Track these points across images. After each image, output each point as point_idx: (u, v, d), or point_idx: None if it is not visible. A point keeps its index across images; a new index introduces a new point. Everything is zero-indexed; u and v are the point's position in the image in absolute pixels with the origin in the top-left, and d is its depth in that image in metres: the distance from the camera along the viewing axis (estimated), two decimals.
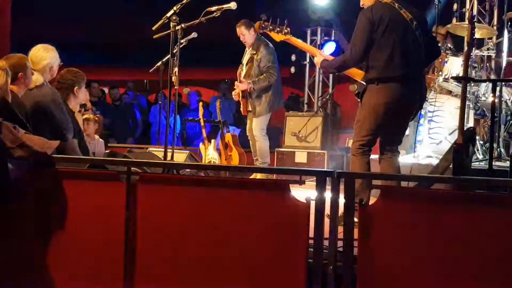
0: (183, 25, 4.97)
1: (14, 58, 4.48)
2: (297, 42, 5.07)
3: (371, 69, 4.51)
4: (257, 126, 7.19)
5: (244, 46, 7.45)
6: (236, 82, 7.25)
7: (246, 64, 7.24)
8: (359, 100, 4.69)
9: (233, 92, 7.52)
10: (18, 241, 3.67)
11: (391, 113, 4.48)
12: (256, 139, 7.23)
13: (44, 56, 4.94)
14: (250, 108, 7.25)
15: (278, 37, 5.06)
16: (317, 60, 4.91)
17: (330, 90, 10.04)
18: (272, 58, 7.17)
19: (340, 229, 3.33)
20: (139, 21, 7.97)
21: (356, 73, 4.78)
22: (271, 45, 7.17)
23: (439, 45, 7.00)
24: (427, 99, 6.51)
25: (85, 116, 6.26)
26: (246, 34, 7.16)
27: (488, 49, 7.06)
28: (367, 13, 4.51)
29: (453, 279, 3.13)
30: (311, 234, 3.30)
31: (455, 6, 7.67)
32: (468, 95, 6.26)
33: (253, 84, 7.04)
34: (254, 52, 7.15)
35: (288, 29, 4.99)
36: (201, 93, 13.10)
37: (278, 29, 5.01)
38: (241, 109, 7.36)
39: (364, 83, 4.64)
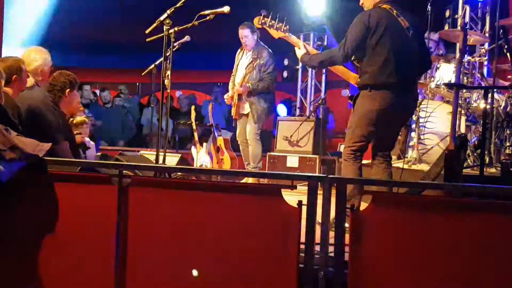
0: (176, 29, 4.97)
1: (9, 60, 4.48)
2: (294, 40, 5.04)
3: (365, 75, 4.52)
4: (251, 131, 7.18)
5: (236, 49, 7.44)
6: (235, 87, 7.23)
7: (246, 67, 7.21)
8: (352, 103, 4.69)
9: (225, 96, 7.51)
10: (8, 244, 3.66)
11: (383, 120, 4.49)
12: (249, 143, 7.22)
13: (36, 58, 4.94)
14: (245, 112, 7.22)
15: (276, 34, 5.03)
16: (299, 53, 4.88)
17: (322, 95, 10.06)
18: (274, 65, 7.20)
19: (332, 234, 3.34)
20: (132, 24, 7.96)
21: (350, 76, 4.78)
22: (271, 51, 7.19)
23: (431, 51, 7.06)
24: (418, 105, 6.55)
25: (79, 119, 6.24)
26: (249, 37, 7.16)
27: (480, 55, 7.10)
28: (364, 17, 4.52)
29: (443, 286, 3.13)
30: (303, 239, 3.31)
31: (447, 13, 7.71)
32: (460, 101, 6.29)
33: (252, 87, 7.04)
34: (255, 57, 7.13)
35: (288, 26, 4.98)
36: (196, 96, 13.11)
37: (277, 25, 4.99)
38: (233, 112, 7.34)
39: (357, 87, 4.65)
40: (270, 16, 5.01)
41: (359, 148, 4.55)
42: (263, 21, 5.03)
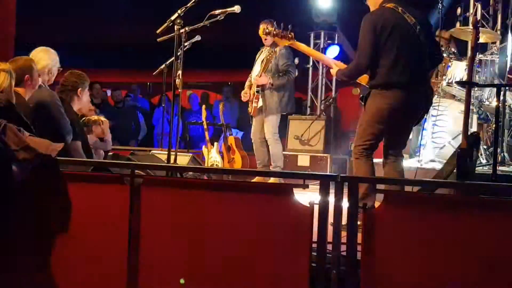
0: (187, 28, 4.98)
1: (20, 60, 4.50)
2: (302, 47, 5.06)
3: (375, 75, 4.50)
4: (268, 129, 7.15)
5: (250, 50, 7.41)
6: (256, 77, 7.17)
7: (262, 61, 7.19)
8: (362, 104, 4.67)
9: (242, 92, 7.46)
10: (21, 243, 3.68)
11: (394, 118, 4.47)
12: (269, 143, 7.18)
13: (44, 57, 4.96)
14: (259, 105, 7.17)
15: (282, 42, 5.06)
16: (333, 72, 4.88)
17: (333, 93, 10.04)
18: (292, 58, 7.17)
19: (344, 233, 3.33)
20: (143, 23, 7.97)
21: (362, 78, 4.76)
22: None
23: (443, 49, 7.02)
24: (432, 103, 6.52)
25: (93, 118, 6.26)
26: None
27: (492, 53, 7.06)
28: (369, 18, 4.51)
29: (456, 285, 3.12)
30: (315, 238, 3.30)
31: (458, 11, 7.67)
32: (472, 100, 6.26)
33: (272, 81, 7.02)
34: (273, 50, 7.11)
35: (292, 34, 4.99)
36: (209, 95, 13.12)
37: (282, 34, 5.01)
38: (249, 109, 7.29)
39: (368, 87, 4.63)
40: (274, 25, 5.03)
41: (370, 146, 4.54)
42: (267, 30, 5.05)
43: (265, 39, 7.19)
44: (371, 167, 4.53)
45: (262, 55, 7.29)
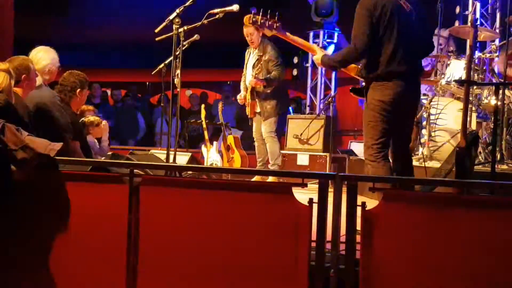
0: (185, 27, 4.98)
1: (18, 60, 4.50)
2: (290, 37, 4.75)
3: (374, 66, 4.29)
4: (265, 129, 7.21)
5: (245, 49, 7.45)
6: (251, 79, 7.19)
7: (253, 66, 7.22)
8: (358, 97, 4.55)
9: (238, 96, 7.51)
10: (21, 243, 3.67)
11: (398, 110, 4.26)
12: (266, 141, 7.24)
13: (44, 57, 4.98)
14: (258, 110, 7.24)
15: (269, 32, 4.76)
16: (317, 57, 4.60)
17: (332, 92, 10.04)
18: (280, 58, 7.21)
19: (343, 232, 3.33)
20: (143, 23, 7.97)
21: (350, 68, 4.54)
22: (274, 45, 7.19)
23: (441, 47, 7.03)
24: (429, 101, 6.52)
25: (89, 119, 6.25)
26: (254, 34, 7.13)
27: (490, 52, 7.06)
28: (366, 4, 4.26)
29: (455, 283, 3.12)
30: (314, 237, 3.30)
31: (457, 9, 7.67)
32: (471, 98, 6.25)
33: (266, 81, 7.04)
34: (261, 54, 7.14)
35: (279, 23, 4.68)
36: (208, 95, 13.14)
37: (269, 23, 4.69)
38: (247, 111, 7.33)
39: (359, 78, 4.51)
40: (260, 14, 4.76)
41: (384, 143, 4.30)
42: (254, 19, 4.67)
43: (252, 42, 7.21)
44: (389, 170, 4.30)
45: (252, 58, 7.31)
